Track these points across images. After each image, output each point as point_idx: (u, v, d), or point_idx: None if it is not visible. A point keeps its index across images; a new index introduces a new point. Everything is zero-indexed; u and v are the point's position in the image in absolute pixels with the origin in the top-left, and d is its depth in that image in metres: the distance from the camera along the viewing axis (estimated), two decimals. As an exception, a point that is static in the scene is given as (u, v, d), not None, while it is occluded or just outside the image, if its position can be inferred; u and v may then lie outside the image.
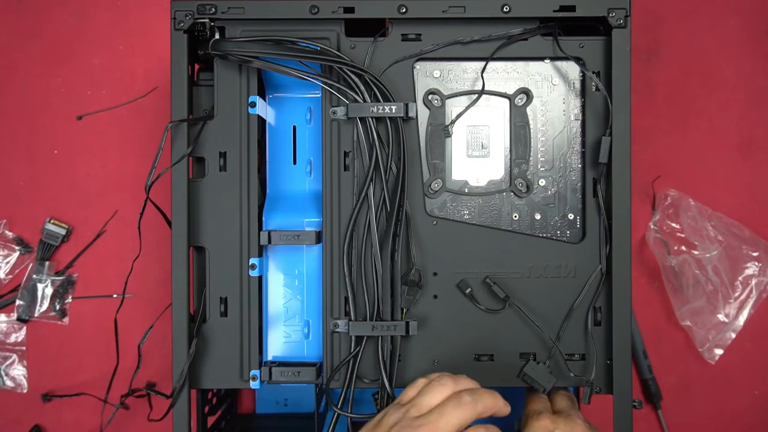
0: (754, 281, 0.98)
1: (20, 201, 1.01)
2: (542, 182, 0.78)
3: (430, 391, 0.65)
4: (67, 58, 1.02)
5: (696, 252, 0.97)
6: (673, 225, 0.99)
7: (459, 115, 0.77)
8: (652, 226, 0.98)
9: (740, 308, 0.98)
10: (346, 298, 0.76)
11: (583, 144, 0.77)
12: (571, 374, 0.76)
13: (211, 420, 0.84)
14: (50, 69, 1.02)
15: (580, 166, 0.78)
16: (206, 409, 0.82)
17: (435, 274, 0.77)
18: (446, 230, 0.77)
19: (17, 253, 0.99)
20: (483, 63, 0.77)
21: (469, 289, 0.76)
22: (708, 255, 0.96)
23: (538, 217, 0.78)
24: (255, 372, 0.76)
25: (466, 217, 0.78)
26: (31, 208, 1.00)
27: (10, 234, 0.99)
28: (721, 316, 0.97)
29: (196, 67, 0.79)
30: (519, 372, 0.75)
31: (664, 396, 0.99)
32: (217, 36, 0.75)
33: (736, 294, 0.98)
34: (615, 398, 0.74)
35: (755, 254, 0.98)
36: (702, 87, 1.01)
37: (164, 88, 1.00)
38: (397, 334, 0.74)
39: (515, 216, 0.78)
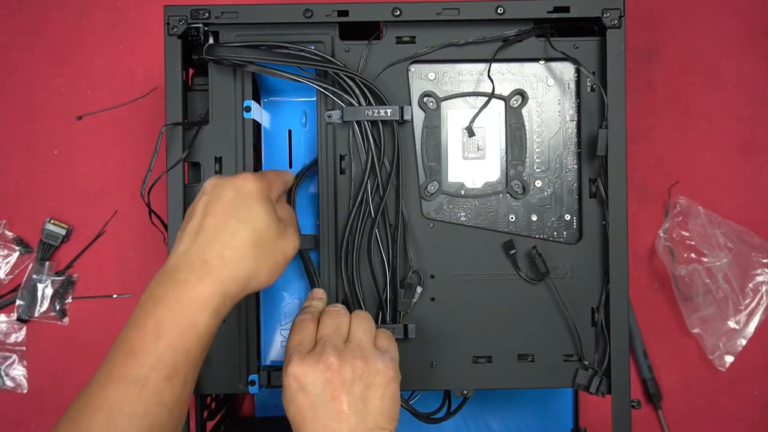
0: (764, 288, 0.97)
1: (20, 201, 1.01)
2: (538, 183, 0.78)
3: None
4: (67, 58, 1.02)
5: (705, 260, 0.96)
6: (683, 233, 0.98)
7: (476, 115, 0.77)
8: (661, 234, 0.97)
9: (750, 315, 0.97)
10: (344, 302, 0.76)
11: (579, 144, 0.77)
12: (586, 362, 0.76)
13: (210, 425, 0.83)
14: (50, 69, 1.01)
15: (576, 166, 0.77)
16: (205, 414, 0.82)
17: (432, 276, 0.76)
18: (443, 232, 0.77)
19: (17, 253, 0.99)
20: (477, 65, 0.77)
21: (514, 251, 0.75)
22: (718, 263, 0.95)
23: (534, 218, 0.78)
24: (254, 377, 0.75)
25: (463, 219, 0.78)
26: (31, 208, 1.01)
27: (10, 234, 1.00)
28: (731, 323, 0.97)
29: (191, 71, 0.79)
30: (572, 383, 0.76)
31: (664, 396, 0.99)
32: (211, 41, 0.75)
33: (747, 301, 0.97)
34: (614, 398, 0.74)
35: (765, 261, 0.97)
36: (702, 87, 1.00)
37: (164, 88, 1.00)
38: (395, 337, 0.74)
39: (512, 217, 0.78)
